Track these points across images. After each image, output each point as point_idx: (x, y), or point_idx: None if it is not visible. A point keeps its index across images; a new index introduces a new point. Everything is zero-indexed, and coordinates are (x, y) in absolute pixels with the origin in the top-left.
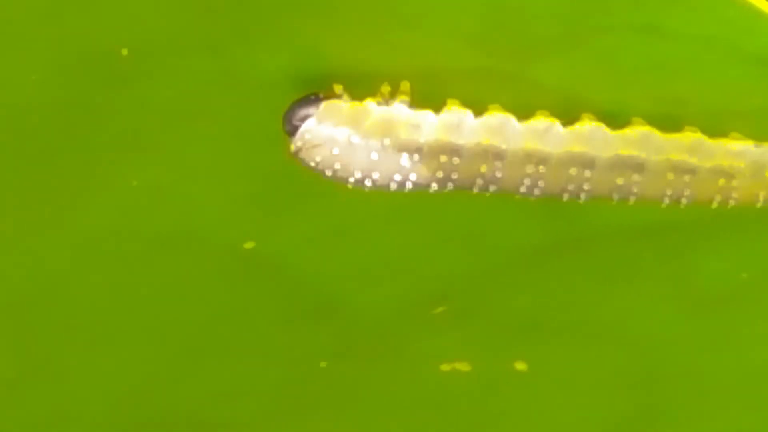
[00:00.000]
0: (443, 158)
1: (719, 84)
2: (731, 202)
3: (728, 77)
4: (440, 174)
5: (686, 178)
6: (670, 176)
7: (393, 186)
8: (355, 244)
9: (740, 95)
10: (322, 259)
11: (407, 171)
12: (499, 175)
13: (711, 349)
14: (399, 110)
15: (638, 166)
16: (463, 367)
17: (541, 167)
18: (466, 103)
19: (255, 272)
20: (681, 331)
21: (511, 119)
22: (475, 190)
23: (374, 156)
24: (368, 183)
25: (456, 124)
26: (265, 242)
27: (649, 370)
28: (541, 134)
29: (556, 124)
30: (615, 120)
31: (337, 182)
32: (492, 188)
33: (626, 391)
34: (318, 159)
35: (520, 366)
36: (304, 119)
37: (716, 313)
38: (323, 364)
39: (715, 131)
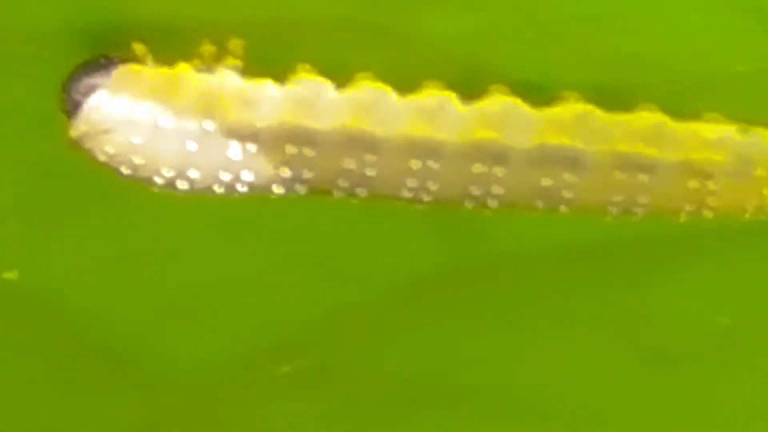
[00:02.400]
0: (290, 149)
1: (689, 40)
2: (706, 213)
3: (702, 29)
4: (286, 171)
5: (642, 177)
6: (619, 175)
7: (218, 189)
8: (163, 274)
9: (720, 56)
10: (115, 295)
11: (239, 167)
12: (371, 173)
13: (675, 424)
14: (227, 80)
15: (572, 161)
16: None
17: (431, 162)
18: (323, 70)
19: (18, 313)
20: (632, 398)
21: (388, 93)
22: (337, 195)
23: (191, 146)
24: (182, 185)
25: (309, 101)
26: (32, 271)
27: None
28: (432, 114)
29: (453, 100)
30: (538, 94)
31: (138, 183)
32: (360, 192)
33: None
34: (110, 150)
35: None
36: (89, 92)
37: (682, 373)
38: None
39: (682, 110)
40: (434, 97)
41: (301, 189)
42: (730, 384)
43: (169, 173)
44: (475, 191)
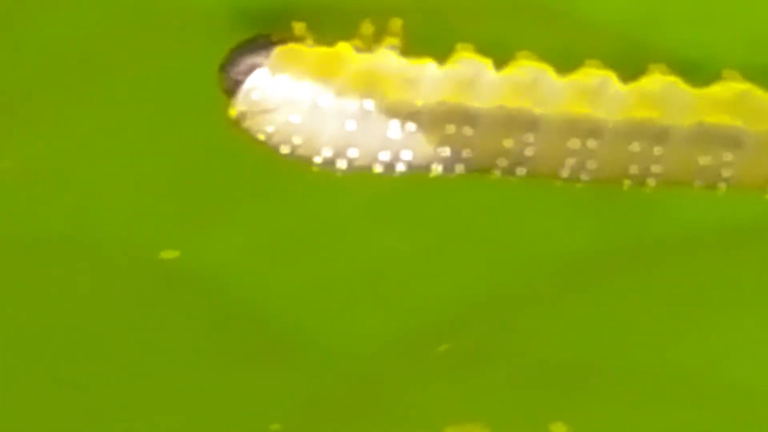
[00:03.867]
0: (450, 128)
1: None
2: None
3: None
4: (446, 151)
5: None
6: None
7: (378, 168)
8: (323, 253)
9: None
10: (275, 275)
11: (398, 146)
12: (530, 152)
13: None
14: (386, 59)
15: (731, 140)
16: (478, 430)
17: (591, 141)
18: (483, 50)
19: (178, 292)
20: None
21: (548, 73)
22: (497, 174)
23: (351, 125)
24: (342, 164)
25: (469, 80)
26: (192, 251)
27: None
28: (592, 94)
29: (613, 80)
30: (698, 73)
31: (298, 163)
32: (520, 171)
33: None
34: (269, 129)
35: (559, 429)
36: (249, 72)
37: None
38: (275, 427)
39: None
40: (594, 76)
41: (460, 168)
42: None
43: (328, 152)
44: (634, 170)
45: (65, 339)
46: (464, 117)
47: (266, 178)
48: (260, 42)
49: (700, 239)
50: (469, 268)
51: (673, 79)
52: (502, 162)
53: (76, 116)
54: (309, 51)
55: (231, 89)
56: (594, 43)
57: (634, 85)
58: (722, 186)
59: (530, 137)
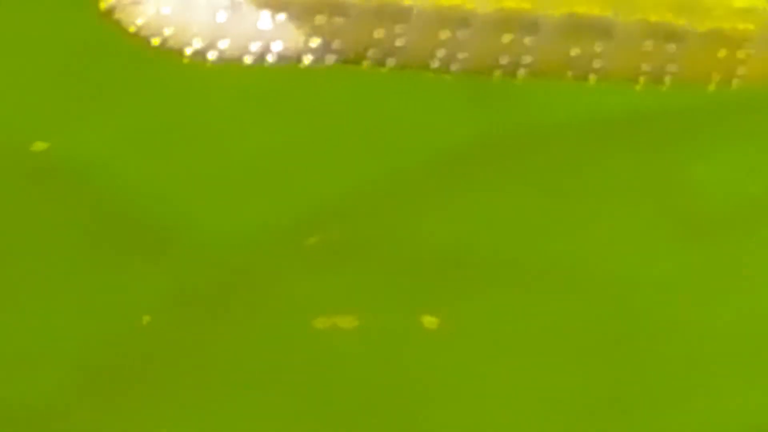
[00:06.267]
0: (321, 18)
1: None
2: (735, 83)
3: None
4: (316, 41)
5: (671, 47)
6: (648, 45)
7: (248, 59)
8: (193, 144)
9: None
10: (146, 167)
11: (269, 37)
12: (400, 42)
13: (706, 294)
14: None
15: (602, 31)
16: (348, 322)
17: (461, 32)
18: None
19: (47, 185)
20: (663, 269)
21: None
22: (367, 65)
23: (221, 16)
24: (212, 55)
25: None
26: (62, 143)
27: (626, 325)
28: None
29: None
30: None
31: (169, 54)
32: (390, 61)
33: (593, 357)
34: (140, 21)
35: (429, 322)
36: None
37: (714, 243)
38: (146, 319)
39: None
40: None
41: (330, 59)
42: (761, 254)
43: (198, 44)
44: (504, 61)
45: None
46: (335, 7)
47: (137, 70)
48: None
49: (571, 130)
50: (341, 161)
51: None
52: (373, 53)
53: None
54: None
55: None
56: None
57: None
58: (592, 77)
59: (400, 28)
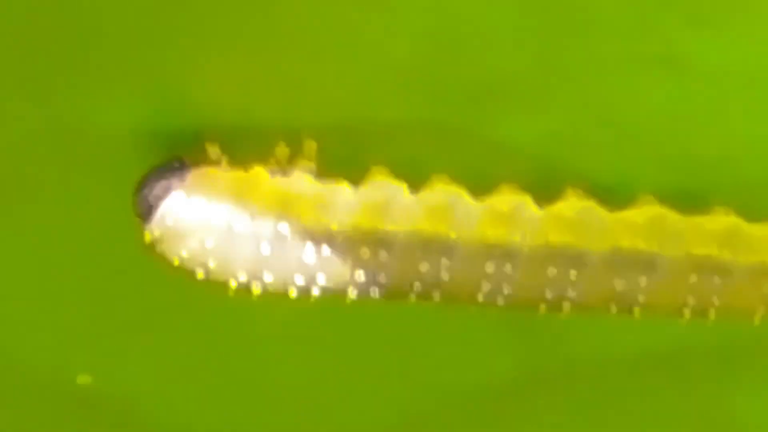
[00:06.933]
0: (365, 252)
1: (765, 142)
2: None
3: None
4: (361, 275)
5: (716, 280)
6: (694, 278)
7: (293, 291)
8: (237, 375)
9: None
10: (192, 399)
11: (313, 270)
12: (445, 276)
13: None
14: (301, 182)
15: (647, 265)
16: None
17: (507, 265)
18: (397, 173)
19: (91, 419)
20: None
21: (463, 196)
22: (412, 298)
23: (265, 249)
24: (257, 287)
25: (384, 204)
26: (106, 377)
27: None
28: (507, 218)
29: (528, 203)
30: (613, 197)
31: (213, 286)
32: (436, 295)
33: None
34: (184, 254)
35: None
36: (163, 195)
37: None
38: None
39: (757, 213)
40: (510, 199)
41: (375, 292)
42: None
43: (243, 277)
44: (549, 295)
45: None
46: (379, 241)
47: (182, 302)
48: (175, 165)
49: (614, 365)
50: (383, 393)
51: (589, 204)
52: (418, 286)
53: None
54: (224, 174)
55: (145, 213)
56: (509, 167)
57: (549, 209)
58: (637, 311)
59: (445, 261)
